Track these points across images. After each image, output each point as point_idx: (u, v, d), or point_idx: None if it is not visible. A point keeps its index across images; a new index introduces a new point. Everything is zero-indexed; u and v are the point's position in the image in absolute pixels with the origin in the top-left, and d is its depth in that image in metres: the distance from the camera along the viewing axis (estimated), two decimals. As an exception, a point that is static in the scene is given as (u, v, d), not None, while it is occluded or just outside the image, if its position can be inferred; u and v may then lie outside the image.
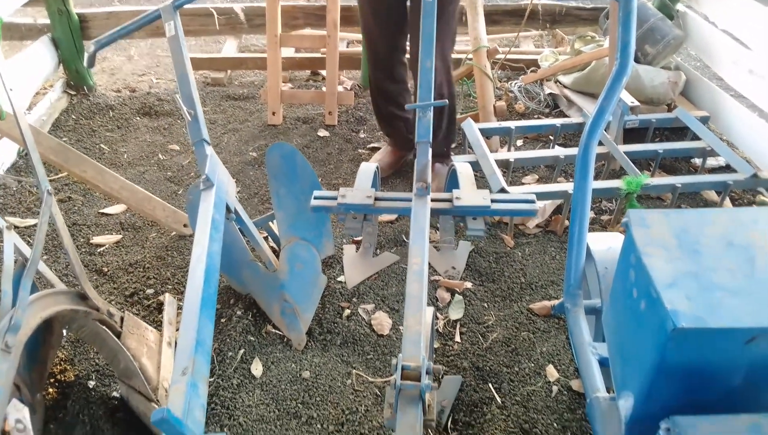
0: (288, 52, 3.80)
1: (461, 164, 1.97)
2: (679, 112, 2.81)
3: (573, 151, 2.56)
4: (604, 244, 1.63)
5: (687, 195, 2.60)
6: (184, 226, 2.35)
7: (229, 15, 3.58)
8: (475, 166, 2.43)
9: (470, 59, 3.04)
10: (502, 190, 2.25)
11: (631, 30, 1.40)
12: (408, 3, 2.35)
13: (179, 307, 1.97)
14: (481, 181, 2.58)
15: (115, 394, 1.73)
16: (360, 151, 3.02)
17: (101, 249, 2.33)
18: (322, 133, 3.17)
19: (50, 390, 1.70)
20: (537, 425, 1.67)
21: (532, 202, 1.74)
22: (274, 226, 2.20)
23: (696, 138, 2.68)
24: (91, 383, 1.75)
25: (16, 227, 2.32)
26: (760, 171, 2.40)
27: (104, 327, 1.57)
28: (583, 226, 1.55)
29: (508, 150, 2.76)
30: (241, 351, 1.89)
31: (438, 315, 2.04)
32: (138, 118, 3.31)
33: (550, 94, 3.36)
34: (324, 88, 3.28)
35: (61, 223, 1.51)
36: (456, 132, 2.74)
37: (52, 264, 2.24)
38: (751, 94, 2.86)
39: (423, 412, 1.14)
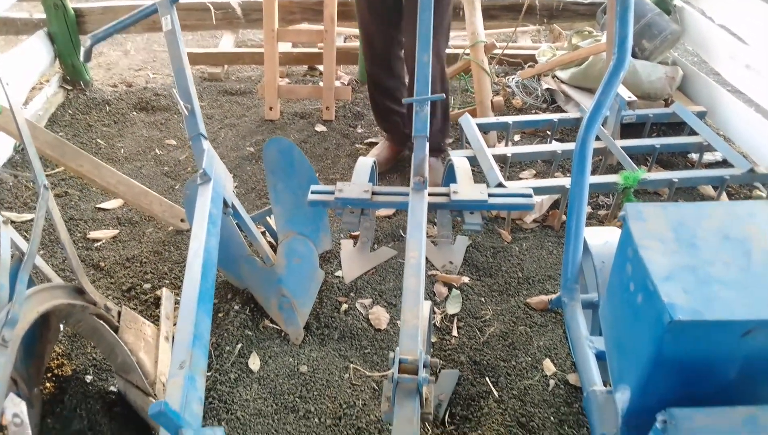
0: (285, 47, 3.79)
1: (459, 159, 1.97)
2: (676, 108, 2.82)
3: (570, 146, 2.56)
4: (601, 239, 1.64)
5: (684, 190, 2.61)
6: (181, 220, 2.35)
7: (225, 10, 3.57)
8: (473, 160, 2.43)
9: (467, 54, 3.04)
10: (500, 185, 2.25)
11: (628, 25, 1.40)
12: None
13: (176, 302, 1.97)
14: (479, 176, 2.58)
15: (112, 388, 1.73)
16: (357, 146, 3.02)
17: (98, 244, 2.33)
18: (320, 128, 3.17)
19: (47, 384, 1.70)
20: (534, 419, 1.68)
21: (530, 196, 1.75)
22: (271, 220, 2.20)
23: (693, 133, 2.68)
24: (89, 378, 1.75)
25: (12, 222, 2.32)
26: (756, 166, 2.41)
27: (101, 321, 1.57)
28: (580, 221, 1.55)
29: (506, 145, 2.76)
30: (239, 345, 1.89)
31: (435, 309, 2.04)
32: (135, 113, 3.30)
33: (548, 89, 3.36)
34: (321, 83, 3.28)
35: (57, 217, 1.50)
36: (450, 127, 2.74)
37: (49, 259, 2.23)
38: (747, 89, 2.87)
39: (420, 406, 1.15)
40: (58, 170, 2.72)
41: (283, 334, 1.94)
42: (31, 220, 2.37)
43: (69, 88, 3.45)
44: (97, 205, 2.54)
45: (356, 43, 3.71)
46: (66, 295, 1.48)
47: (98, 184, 2.27)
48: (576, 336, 1.49)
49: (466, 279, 2.17)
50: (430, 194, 1.69)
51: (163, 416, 0.94)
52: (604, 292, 1.49)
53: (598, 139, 2.57)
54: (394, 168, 2.82)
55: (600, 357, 1.42)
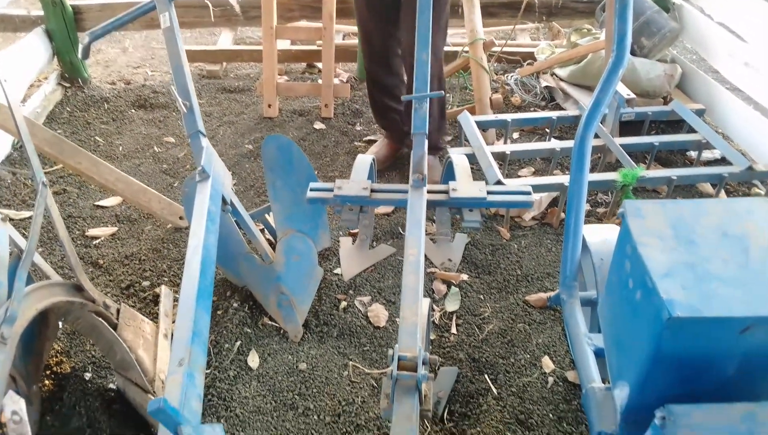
0: (284, 44, 3.78)
1: (457, 156, 1.97)
2: (675, 105, 2.82)
3: (569, 143, 2.56)
4: (600, 236, 1.64)
5: (682, 187, 2.61)
6: (180, 218, 2.35)
7: (224, 7, 3.56)
8: (472, 158, 2.43)
9: (467, 52, 3.04)
10: (499, 183, 2.25)
11: (627, 22, 1.39)
12: None
13: (175, 299, 1.97)
14: (478, 174, 2.58)
15: (111, 385, 1.73)
16: (356, 143, 3.02)
17: (97, 241, 2.33)
18: (318, 125, 3.17)
19: (46, 382, 1.70)
20: (533, 416, 1.68)
21: (528, 193, 1.75)
22: (270, 218, 2.20)
23: (692, 131, 2.68)
24: (88, 375, 1.75)
25: (11, 219, 2.32)
26: (755, 163, 2.41)
27: (100, 319, 1.56)
28: (579, 218, 1.55)
29: (505, 142, 2.76)
30: (238, 343, 1.89)
31: (434, 307, 2.05)
32: (133, 111, 3.29)
33: (547, 86, 3.35)
34: (320, 81, 3.28)
35: (56, 214, 1.50)
36: (447, 125, 2.74)
37: (48, 256, 2.23)
38: (746, 87, 2.87)
39: (419, 403, 1.15)
40: (56, 168, 2.72)
41: (282, 331, 1.94)
42: (30, 217, 2.37)
43: (67, 85, 3.45)
44: (96, 203, 2.54)
45: (355, 41, 3.70)
46: (65, 292, 1.48)
47: (97, 181, 2.27)
48: (575, 333, 1.49)
49: (465, 276, 2.17)
50: (429, 192, 1.69)
51: (162, 413, 0.94)
52: (602, 289, 1.50)
53: (596, 136, 2.57)
54: (393, 166, 2.81)
55: (599, 354, 1.42)
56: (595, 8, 3.60)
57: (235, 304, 2.02)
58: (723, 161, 2.63)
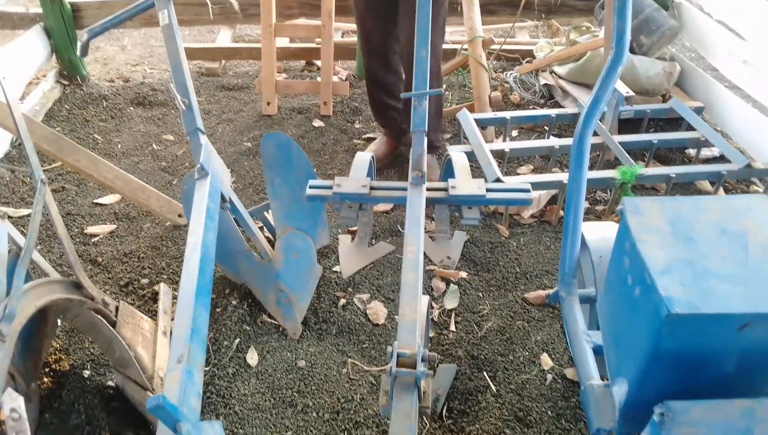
0: (282, 42, 3.78)
1: (456, 153, 1.97)
2: (674, 103, 2.82)
3: (568, 141, 2.56)
4: (599, 234, 1.64)
5: (681, 185, 2.61)
6: (179, 215, 2.35)
7: (223, 4, 3.55)
8: (471, 156, 2.43)
9: (465, 49, 3.03)
10: (498, 180, 2.25)
11: (626, 20, 1.39)
12: None
13: (174, 297, 1.97)
14: (476, 171, 2.58)
15: (110, 383, 1.73)
16: (355, 141, 3.02)
17: (95, 239, 2.32)
18: (317, 123, 3.16)
19: (45, 379, 1.70)
20: (531, 413, 1.69)
21: (527, 191, 1.75)
22: (269, 216, 2.20)
23: (690, 128, 2.68)
24: (86, 372, 1.75)
25: (9, 217, 2.32)
26: (753, 161, 2.41)
27: (99, 316, 1.56)
28: (578, 215, 1.55)
29: (503, 140, 2.76)
30: (237, 340, 1.89)
31: (433, 304, 2.05)
32: (132, 108, 3.29)
33: (546, 84, 3.35)
34: (319, 79, 3.27)
35: (55, 211, 1.50)
36: (443, 124, 2.73)
37: (46, 254, 2.23)
38: (745, 85, 2.87)
39: (418, 400, 1.15)
40: (55, 165, 2.71)
41: (281, 329, 1.94)
42: (28, 215, 2.37)
43: (66, 83, 3.44)
44: (95, 201, 2.53)
45: (354, 39, 3.70)
46: (63, 289, 1.48)
47: (95, 179, 2.26)
48: (573, 330, 1.50)
49: (463, 274, 2.17)
50: (428, 189, 1.69)
51: (161, 410, 0.94)
52: (601, 286, 1.50)
53: (595, 134, 2.57)
54: (392, 163, 2.81)
55: (597, 351, 1.42)
56: (594, 6, 3.60)
57: (234, 302, 2.02)
58: (722, 159, 2.63)
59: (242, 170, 2.78)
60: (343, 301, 2.05)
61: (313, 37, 3.59)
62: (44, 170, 2.66)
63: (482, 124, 2.74)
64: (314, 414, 1.69)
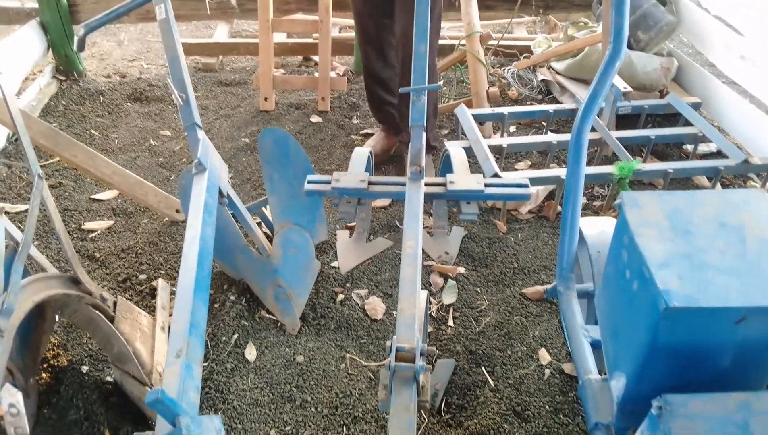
0: (280, 37, 3.77)
1: (455, 149, 1.97)
2: (672, 99, 2.82)
3: (565, 136, 2.56)
4: (597, 229, 1.64)
5: (678, 180, 2.62)
6: (177, 211, 2.34)
7: (220, 0, 3.54)
8: (469, 151, 2.43)
9: (463, 45, 3.03)
10: (496, 176, 2.25)
11: (624, 14, 1.39)
12: None
13: (172, 293, 1.97)
14: (474, 167, 2.58)
15: (108, 378, 1.73)
16: (353, 137, 3.01)
17: (93, 235, 2.32)
18: (315, 119, 3.16)
19: (43, 375, 1.69)
20: (529, 407, 1.69)
21: (526, 186, 1.75)
22: (267, 211, 2.19)
23: (688, 124, 2.69)
24: (85, 368, 1.75)
25: (6, 213, 2.31)
26: (750, 157, 2.42)
27: (97, 312, 1.56)
28: (576, 210, 1.56)
29: (501, 136, 2.76)
30: (235, 336, 1.89)
31: (431, 300, 2.05)
32: (129, 104, 3.28)
33: (543, 80, 3.35)
34: (316, 74, 3.27)
35: (52, 206, 1.49)
36: (437, 124, 2.73)
37: (44, 250, 2.22)
38: (742, 80, 2.87)
39: (417, 394, 1.15)
40: (52, 161, 2.71)
41: (279, 324, 1.94)
42: (25, 211, 2.36)
43: (62, 78, 3.43)
44: (92, 196, 2.53)
45: (351, 34, 3.69)
46: (61, 285, 1.48)
47: (93, 174, 2.26)
48: (571, 325, 1.50)
49: (461, 269, 2.17)
50: (426, 184, 1.69)
51: (160, 404, 0.94)
52: (599, 281, 1.50)
53: (593, 130, 2.57)
54: (390, 159, 2.81)
55: (595, 346, 1.43)
56: (592, 1, 3.60)
57: (232, 297, 2.02)
58: (719, 154, 2.64)
59: (240, 166, 2.77)
60: (341, 297, 2.05)
61: (311, 33, 3.59)
62: (41, 166, 2.64)
63: (480, 120, 2.74)
64: (313, 409, 1.69)
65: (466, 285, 2.11)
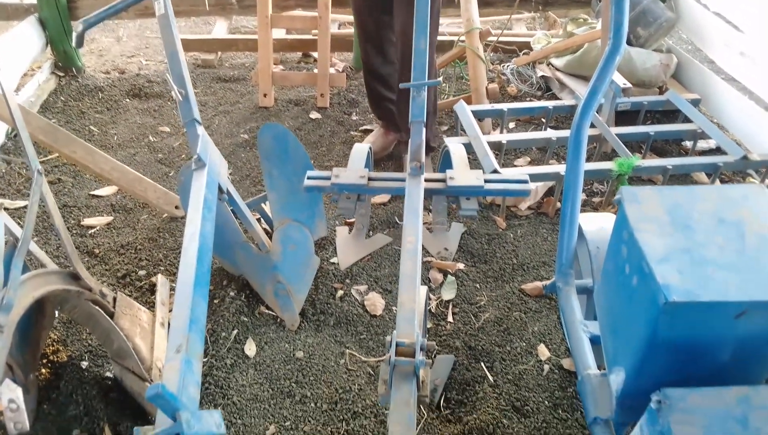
0: (279, 33, 3.76)
1: (454, 145, 1.97)
2: (671, 95, 2.82)
3: (565, 133, 2.56)
4: (596, 225, 1.64)
5: (678, 177, 2.61)
6: (176, 207, 2.34)
7: (219, -5, 3.54)
8: (468, 148, 2.43)
9: (463, 41, 3.03)
10: (495, 172, 2.25)
11: (624, 11, 1.39)
12: None
13: (172, 288, 1.97)
14: (474, 163, 2.58)
15: (108, 374, 1.73)
16: (352, 133, 3.01)
17: (92, 231, 2.32)
18: (314, 115, 3.16)
19: (43, 371, 1.69)
20: (528, 403, 1.69)
21: (525, 182, 1.75)
22: (266, 207, 2.19)
23: (687, 120, 2.69)
24: (84, 364, 1.75)
25: (6, 209, 2.31)
26: (750, 153, 2.42)
27: (97, 307, 1.56)
28: (575, 206, 1.56)
29: (501, 132, 2.76)
30: (235, 331, 1.89)
31: (431, 295, 2.05)
32: (128, 100, 3.27)
33: (543, 76, 3.35)
34: (316, 70, 3.26)
35: (51, 202, 1.49)
36: (437, 119, 2.72)
37: (43, 246, 2.22)
38: (742, 77, 2.87)
39: (417, 388, 1.15)
40: (51, 157, 2.70)
41: (278, 320, 1.95)
42: (25, 207, 2.36)
43: (61, 74, 3.42)
44: (91, 192, 2.52)
45: (351, 30, 3.69)
46: (61, 280, 1.47)
47: (92, 170, 2.25)
48: (570, 320, 1.50)
49: (461, 265, 2.18)
50: (426, 180, 1.69)
51: (161, 398, 0.94)
52: (598, 277, 1.50)
53: (592, 126, 2.57)
54: (389, 156, 2.81)
55: (594, 341, 1.43)
56: (592, -2, 3.60)
57: (231, 293, 2.02)
58: (718, 151, 2.64)
59: (239, 162, 2.77)
60: (340, 293, 2.05)
61: (310, 29, 3.58)
62: (40, 162, 2.65)
63: (479, 116, 2.74)
64: (312, 404, 1.69)
65: (465, 281, 2.12)
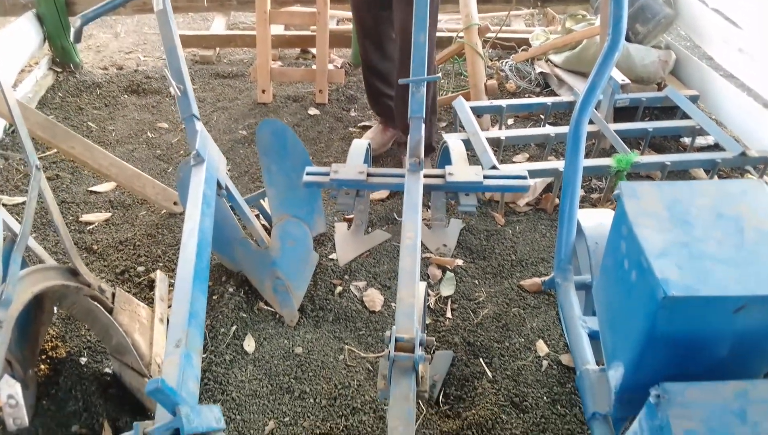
0: (277, 29, 3.75)
1: (453, 141, 1.97)
2: (669, 91, 2.82)
3: (563, 129, 2.56)
4: (595, 220, 1.65)
5: (676, 173, 2.62)
6: (174, 203, 2.34)
7: (217, -9, 3.53)
8: (467, 144, 2.43)
9: (461, 37, 3.03)
10: (494, 168, 2.25)
11: (622, 6, 1.39)
12: None
13: (171, 284, 1.97)
14: (472, 160, 2.58)
15: (107, 370, 1.73)
16: (351, 129, 3.01)
17: (90, 227, 2.32)
18: (313, 111, 3.15)
19: (42, 366, 1.69)
20: (527, 398, 1.70)
21: (524, 177, 1.75)
22: (265, 204, 2.19)
23: (685, 117, 2.69)
24: (83, 359, 1.75)
25: (4, 205, 2.31)
26: (748, 149, 2.42)
27: (96, 303, 1.56)
28: (574, 201, 1.56)
29: (499, 128, 2.76)
30: (234, 327, 1.89)
31: (429, 291, 2.05)
32: (126, 96, 3.26)
33: (541, 73, 3.35)
34: (314, 66, 3.26)
35: (50, 198, 1.49)
36: (436, 121, 2.72)
37: (42, 242, 2.22)
38: (740, 73, 2.87)
39: (416, 384, 1.16)
40: (49, 153, 2.70)
41: (277, 316, 1.95)
42: (23, 203, 2.35)
43: (59, 70, 3.41)
44: (89, 188, 2.52)
45: (349, 26, 3.68)
46: (60, 276, 1.47)
47: (90, 166, 2.25)
48: (569, 316, 1.51)
49: (459, 261, 2.18)
50: (425, 176, 1.69)
51: (160, 393, 0.94)
52: (597, 272, 1.51)
53: (591, 122, 2.57)
54: (387, 152, 2.81)
55: (593, 337, 1.44)
56: (590, -6, 3.60)
57: (230, 289, 2.02)
58: (716, 147, 2.65)
59: (237, 158, 2.77)
60: (339, 289, 2.06)
61: (309, 25, 3.57)
62: (39, 158, 2.64)
63: (478, 112, 2.74)
64: (311, 400, 1.69)
65: (464, 277, 2.12)
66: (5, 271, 1.27)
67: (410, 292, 1.27)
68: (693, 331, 0.96)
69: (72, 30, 1.72)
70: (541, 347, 1.86)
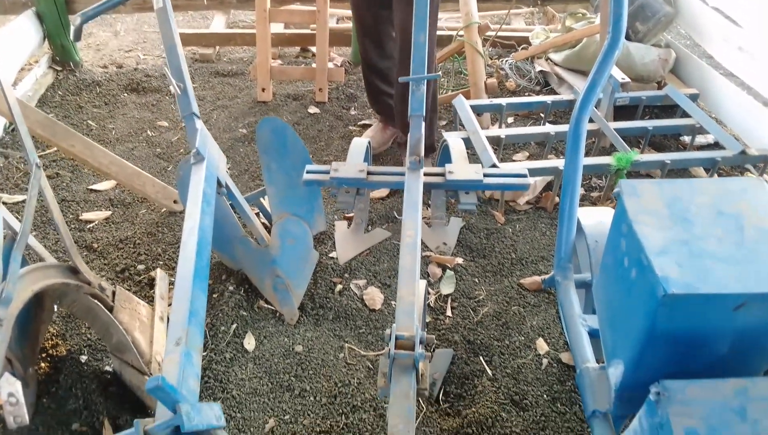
0: (277, 27, 3.75)
1: (453, 139, 1.97)
2: (669, 90, 2.82)
3: (563, 128, 2.56)
4: (595, 219, 1.65)
5: (676, 171, 2.62)
6: (174, 202, 2.34)
7: (217, -10, 3.53)
8: (467, 142, 2.43)
9: (461, 36, 3.02)
10: (494, 166, 2.25)
11: (622, 5, 1.39)
12: None
13: (171, 283, 1.97)
14: (472, 158, 2.58)
15: (107, 368, 1.73)
16: (351, 128, 3.01)
17: (91, 225, 2.32)
18: (313, 110, 3.15)
19: (42, 365, 1.70)
20: (527, 396, 1.70)
21: (524, 176, 1.75)
22: (265, 202, 2.19)
23: (685, 115, 2.69)
24: (84, 358, 1.75)
25: (4, 203, 2.31)
26: (748, 148, 2.43)
27: (96, 301, 1.56)
28: (574, 200, 1.56)
29: (499, 127, 2.76)
30: (234, 325, 1.89)
31: (429, 290, 2.05)
32: (126, 95, 3.26)
33: (541, 71, 3.35)
34: (314, 65, 3.26)
35: (50, 196, 1.49)
36: (436, 120, 2.72)
37: (42, 240, 2.22)
38: (740, 72, 2.87)
39: (416, 382, 1.16)
40: (49, 151, 2.70)
41: (278, 314, 1.95)
42: (23, 201, 2.35)
43: (58, 69, 3.41)
44: (90, 187, 2.52)
45: (349, 25, 3.68)
46: (60, 274, 1.47)
47: (90, 164, 2.25)
48: (569, 314, 1.51)
49: (459, 260, 2.18)
50: (425, 174, 1.69)
51: (161, 391, 0.94)
52: (597, 270, 1.51)
53: (591, 121, 2.57)
54: (387, 151, 2.81)
55: (593, 335, 1.44)
56: (590, -8, 3.59)
57: (230, 288, 2.02)
58: (716, 146, 2.65)
59: (237, 157, 2.77)
60: (339, 287, 2.06)
61: (308, 23, 3.57)
62: (39, 156, 2.63)
63: (478, 111, 2.74)
64: (311, 398, 1.69)
65: (464, 275, 2.12)
66: (5, 270, 1.27)
67: (410, 290, 1.27)
68: (693, 328, 0.97)
69: (72, 28, 1.72)
70: (541, 345, 1.86)
